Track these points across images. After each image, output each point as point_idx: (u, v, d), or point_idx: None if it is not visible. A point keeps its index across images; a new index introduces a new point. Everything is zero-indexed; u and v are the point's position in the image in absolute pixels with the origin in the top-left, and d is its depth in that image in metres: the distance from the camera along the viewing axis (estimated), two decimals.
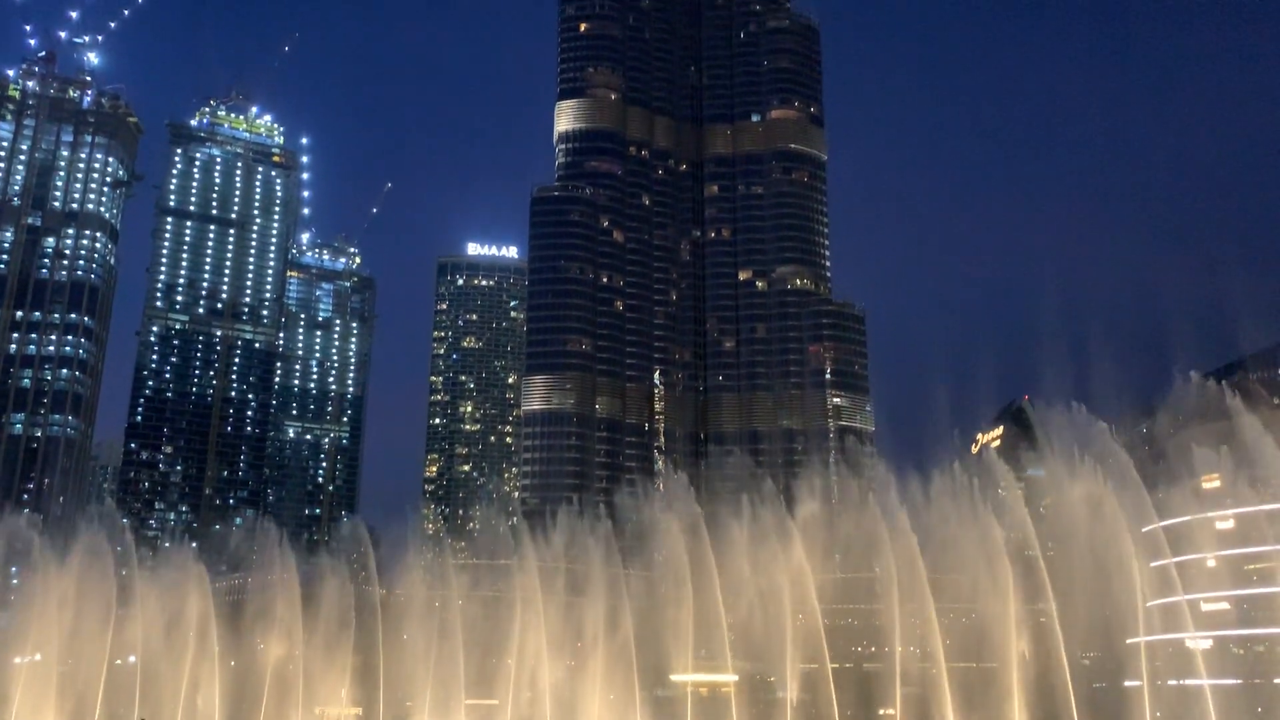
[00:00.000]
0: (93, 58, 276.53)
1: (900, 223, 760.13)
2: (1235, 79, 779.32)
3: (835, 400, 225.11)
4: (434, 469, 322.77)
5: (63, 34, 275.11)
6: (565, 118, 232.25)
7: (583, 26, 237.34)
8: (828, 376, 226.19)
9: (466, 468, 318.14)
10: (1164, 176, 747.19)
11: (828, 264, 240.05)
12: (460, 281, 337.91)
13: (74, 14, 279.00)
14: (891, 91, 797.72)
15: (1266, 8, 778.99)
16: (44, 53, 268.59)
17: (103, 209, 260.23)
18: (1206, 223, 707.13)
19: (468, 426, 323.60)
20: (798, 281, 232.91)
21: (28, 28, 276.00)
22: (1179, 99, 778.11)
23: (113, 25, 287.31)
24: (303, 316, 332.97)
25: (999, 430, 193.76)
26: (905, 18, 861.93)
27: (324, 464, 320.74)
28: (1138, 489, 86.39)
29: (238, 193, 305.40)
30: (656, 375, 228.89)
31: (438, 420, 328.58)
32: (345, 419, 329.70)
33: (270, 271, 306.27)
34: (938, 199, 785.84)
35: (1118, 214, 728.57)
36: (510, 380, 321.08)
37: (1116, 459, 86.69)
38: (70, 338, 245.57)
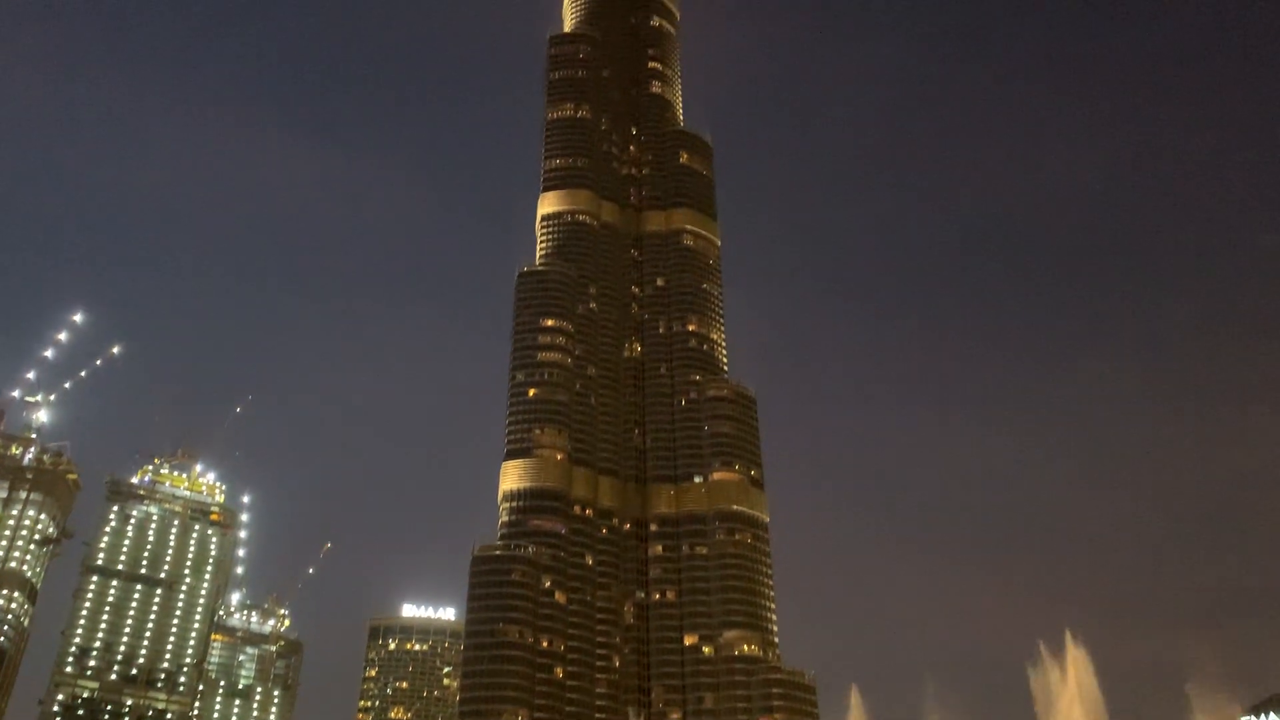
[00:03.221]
0: (41, 416, 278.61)
1: (844, 585, 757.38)
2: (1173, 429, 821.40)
3: None
4: None
5: (15, 393, 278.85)
6: (511, 477, 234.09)
7: (531, 392, 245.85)
8: None
9: None
10: (1112, 538, 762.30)
11: (775, 629, 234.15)
12: (392, 645, 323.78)
13: (30, 375, 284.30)
14: (827, 454, 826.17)
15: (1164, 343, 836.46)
16: None
17: (25, 567, 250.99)
18: (1166, 580, 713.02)
19: None
20: (745, 647, 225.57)
21: None
22: (1119, 457, 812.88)
23: (67, 385, 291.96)
24: (222, 683, 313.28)
25: None
26: (834, 382, 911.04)
27: None
28: None
29: (170, 552, 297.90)
30: None
31: None
32: None
33: (194, 635, 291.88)
34: (881, 561, 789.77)
35: (1070, 571, 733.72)
36: None
37: None
38: None
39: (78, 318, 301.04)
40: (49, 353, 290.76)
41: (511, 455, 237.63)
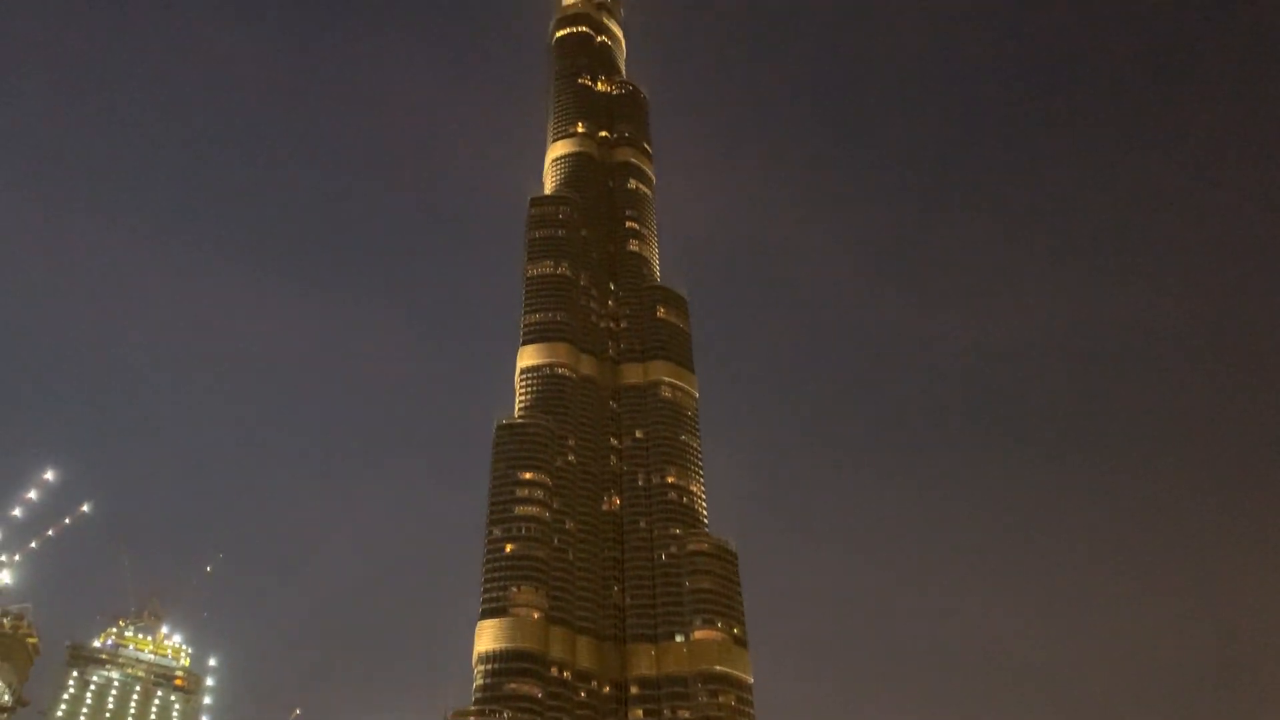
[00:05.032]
0: (4, 577, 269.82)
1: None
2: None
3: None
4: None
5: None
6: (486, 638, 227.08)
7: (509, 548, 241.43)
8: None
9: None
10: (1107, 700, 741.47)
11: None
12: None
13: None
14: (812, 610, 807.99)
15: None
16: None
17: None
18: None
19: None
20: None
21: None
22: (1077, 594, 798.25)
23: (34, 545, 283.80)
24: None
25: None
26: (816, 535, 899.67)
27: None
28: None
29: None
30: None
31: None
32: None
33: None
34: None
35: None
36: None
37: None
38: None
39: (49, 476, 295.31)
40: (17, 511, 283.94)
41: (487, 614, 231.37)
